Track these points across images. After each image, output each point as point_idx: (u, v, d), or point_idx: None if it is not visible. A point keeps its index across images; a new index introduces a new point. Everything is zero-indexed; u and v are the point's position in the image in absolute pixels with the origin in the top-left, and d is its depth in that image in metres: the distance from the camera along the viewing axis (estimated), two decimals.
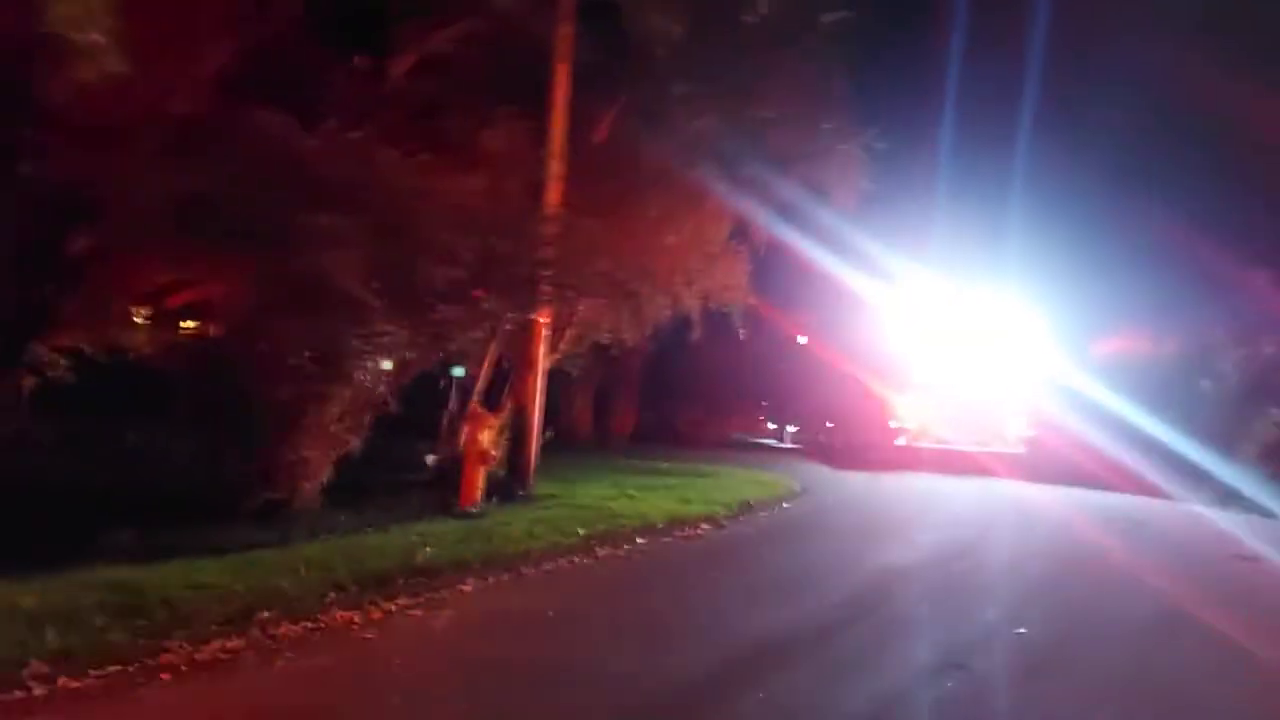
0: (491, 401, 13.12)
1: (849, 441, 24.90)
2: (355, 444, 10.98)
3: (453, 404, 13.30)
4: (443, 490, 11.93)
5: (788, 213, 14.88)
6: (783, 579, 8.68)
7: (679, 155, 13.18)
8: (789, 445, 31.92)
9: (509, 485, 12.34)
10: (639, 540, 10.00)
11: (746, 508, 12.73)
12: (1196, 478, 20.88)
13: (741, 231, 14.27)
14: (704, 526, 11.12)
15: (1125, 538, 12.58)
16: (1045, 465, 21.98)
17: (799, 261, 18.85)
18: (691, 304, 14.52)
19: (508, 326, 12.01)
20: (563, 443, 17.77)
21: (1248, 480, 20.50)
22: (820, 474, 19.15)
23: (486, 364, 13.00)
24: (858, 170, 13.58)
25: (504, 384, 13.26)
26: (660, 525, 10.71)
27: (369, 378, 10.40)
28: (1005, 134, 23.76)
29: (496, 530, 9.56)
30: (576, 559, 9.09)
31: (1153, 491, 20.09)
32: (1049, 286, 22.61)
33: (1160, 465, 21.66)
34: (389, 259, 9.75)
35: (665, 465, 16.79)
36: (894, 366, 23.09)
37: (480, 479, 11.70)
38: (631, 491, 12.75)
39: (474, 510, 11.18)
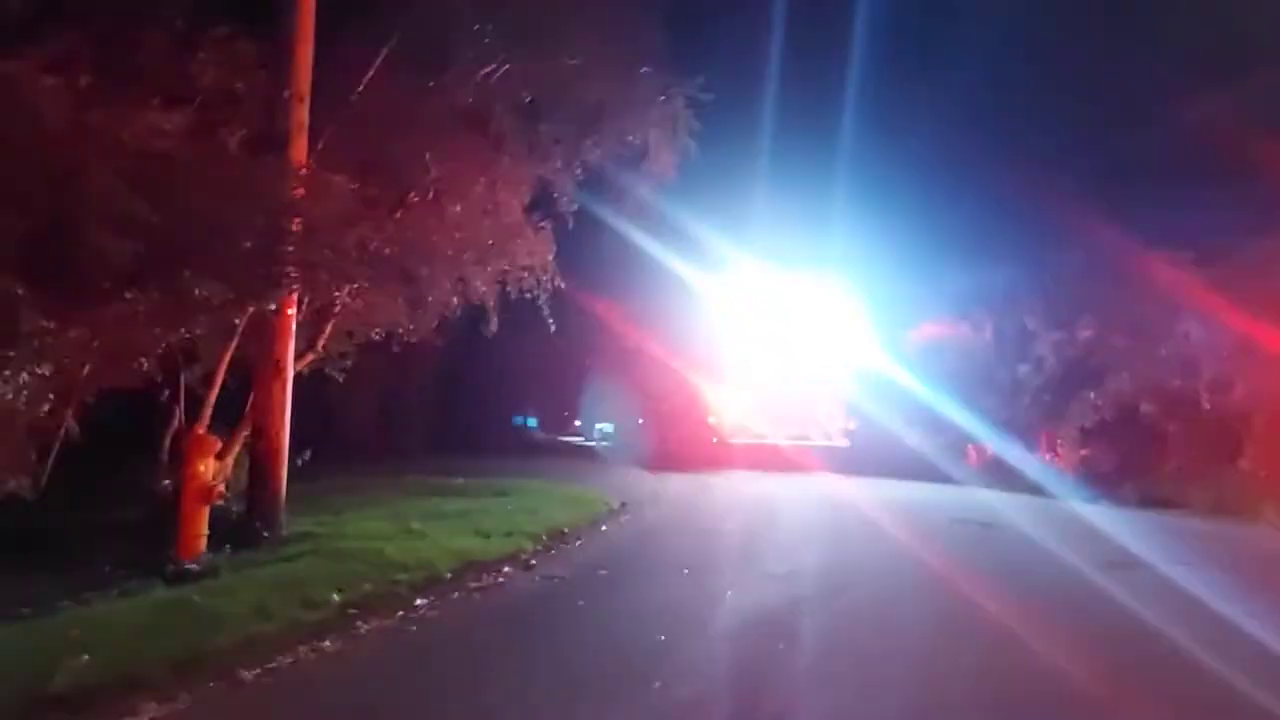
0: (231, 418, 10.20)
1: (665, 440, 23.04)
2: (18, 484, 7.89)
3: (178, 422, 10.24)
4: (157, 538, 8.97)
5: (599, 180, 12.69)
6: (616, 651, 6.38)
7: (465, 108, 10.67)
8: (599, 445, 29.90)
9: (249, 526, 9.47)
10: (419, 602, 7.43)
11: (558, 537, 10.37)
12: (1015, 468, 20.35)
13: (544, 202, 11.86)
14: (507, 570, 8.67)
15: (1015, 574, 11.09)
16: (867, 459, 20.93)
17: (611, 240, 16.77)
18: (486, 289, 12.00)
19: (237, 321, 9.12)
20: (337, 459, 14.88)
21: (1060, 469, 20.15)
22: (637, 481, 17.09)
23: (219, 369, 10.03)
24: (679, 127, 11.48)
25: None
26: (449, 575, 8.17)
27: (21, 396, 7.32)
28: (826, 118, 22.64)
29: (212, 604, 6.75)
30: (328, 643, 6.43)
31: (1007, 485, 19.25)
32: (868, 274, 21.58)
33: (986, 454, 21.08)
34: (38, 225, 6.76)
35: (461, 481, 14.23)
36: (711, 357, 21.40)
37: (203, 522, 8.81)
38: (415, 524, 10.12)
39: (194, 567, 8.30)
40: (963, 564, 9.68)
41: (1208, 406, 18.41)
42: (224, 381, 10.04)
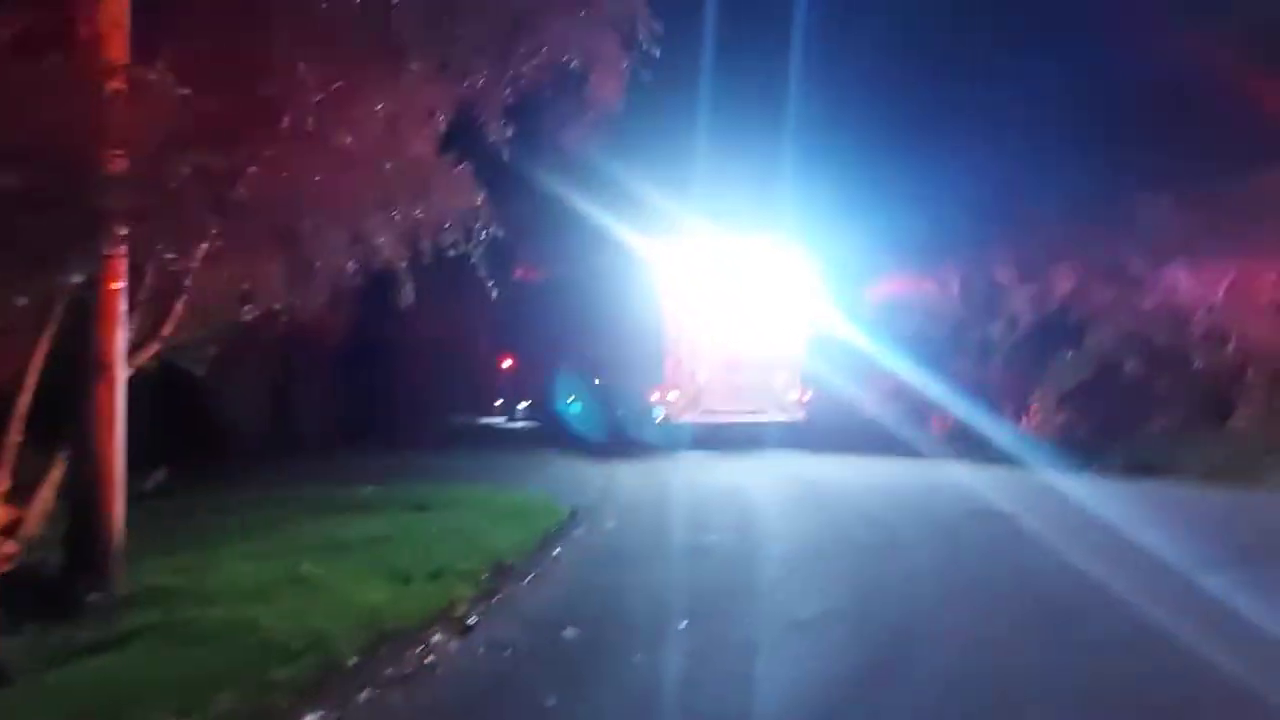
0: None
1: (606, 420, 20.67)
2: None
3: None
4: None
5: (531, 114, 10.10)
6: None
7: (355, 6, 7.96)
8: (527, 427, 27.38)
9: (68, 586, 6.78)
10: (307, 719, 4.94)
11: (502, 573, 7.87)
12: (987, 437, 18.58)
13: (465, 134, 9.20)
14: (437, 639, 6.17)
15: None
16: (827, 433, 18.94)
17: (538, 193, 14.24)
18: (394, 248, 9.33)
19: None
20: (214, 472, 12.12)
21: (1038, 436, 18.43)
22: (581, 474, 14.70)
23: (30, 370, 7.24)
24: (637, 28, 8.98)
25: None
26: (352, 660, 5.65)
27: None
28: (772, 67, 20.23)
29: None
30: None
31: (981, 457, 17.47)
32: (823, 232, 19.40)
33: (953, 423, 19.24)
34: None
35: (370, 490, 11.62)
36: (656, 327, 19.03)
37: None
38: (307, 564, 7.54)
39: None
40: (1064, 596, 7.39)
41: (1199, 363, 16.83)
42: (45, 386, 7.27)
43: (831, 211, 19.24)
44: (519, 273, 25.30)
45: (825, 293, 19.49)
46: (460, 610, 6.72)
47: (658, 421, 18.90)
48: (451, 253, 9.29)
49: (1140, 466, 16.48)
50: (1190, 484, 15.28)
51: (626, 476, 14.50)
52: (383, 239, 8.94)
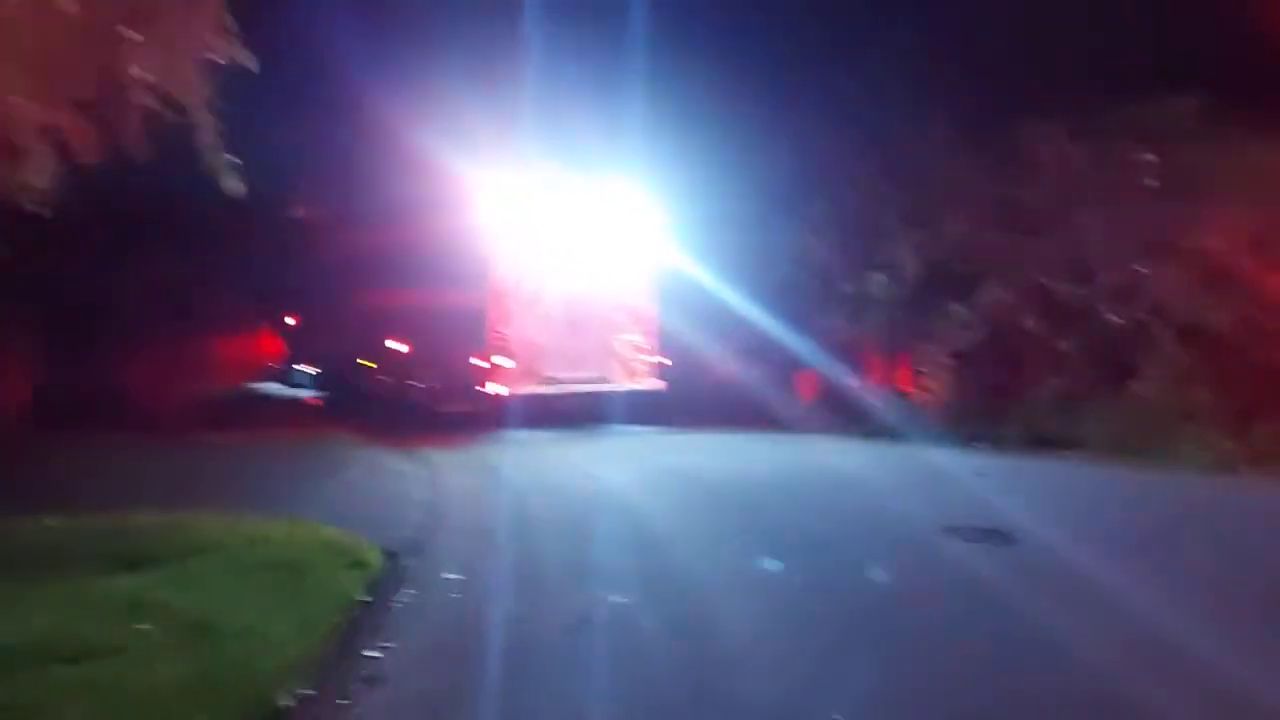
0: None
1: (417, 394, 16.70)
2: None
3: None
4: None
5: None
6: None
7: None
8: (313, 396, 22.79)
9: None
10: None
11: None
12: (867, 406, 16.14)
13: None
14: None
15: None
16: (686, 404, 15.98)
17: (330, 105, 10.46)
18: (81, 140, 5.31)
19: None
20: None
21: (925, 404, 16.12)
22: (387, 474, 10.83)
23: None
24: None
25: None
26: None
27: None
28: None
29: None
30: None
31: (861, 430, 15.09)
32: (679, 171, 16.19)
33: (830, 390, 16.61)
34: None
35: (56, 525, 7.38)
36: (482, 281, 15.24)
37: None
38: None
39: None
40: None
41: (1106, 319, 14.81)
42: None
43: (688, 150, 16.09)
44: (300, 210, 20.76)
45: (681, 243, 16.33)
46: None
47: (484, 394, 15.20)
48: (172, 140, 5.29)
49: (1039, 439, 14.49)
50: (1095, 460, 13.45)
51: (454, 477, 10.75)
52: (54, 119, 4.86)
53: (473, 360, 15.33)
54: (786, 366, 16.58)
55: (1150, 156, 14.45)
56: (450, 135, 15.50)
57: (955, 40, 15.80)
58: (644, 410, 15.65)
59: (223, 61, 5.09)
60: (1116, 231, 14.72)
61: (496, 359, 15.16)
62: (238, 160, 5.94)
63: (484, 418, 14.72)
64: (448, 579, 6.68)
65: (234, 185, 5.25)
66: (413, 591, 6.35)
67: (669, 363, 16.23)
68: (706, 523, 8.69)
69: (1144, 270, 14.52)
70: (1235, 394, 13.34)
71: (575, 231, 15.87)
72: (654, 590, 6.45)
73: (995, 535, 8.05)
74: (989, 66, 15.52)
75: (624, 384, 15.83)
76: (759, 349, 16.36)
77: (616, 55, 16.43)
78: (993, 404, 15.32)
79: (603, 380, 15.74)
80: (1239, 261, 13.85)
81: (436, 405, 16.21)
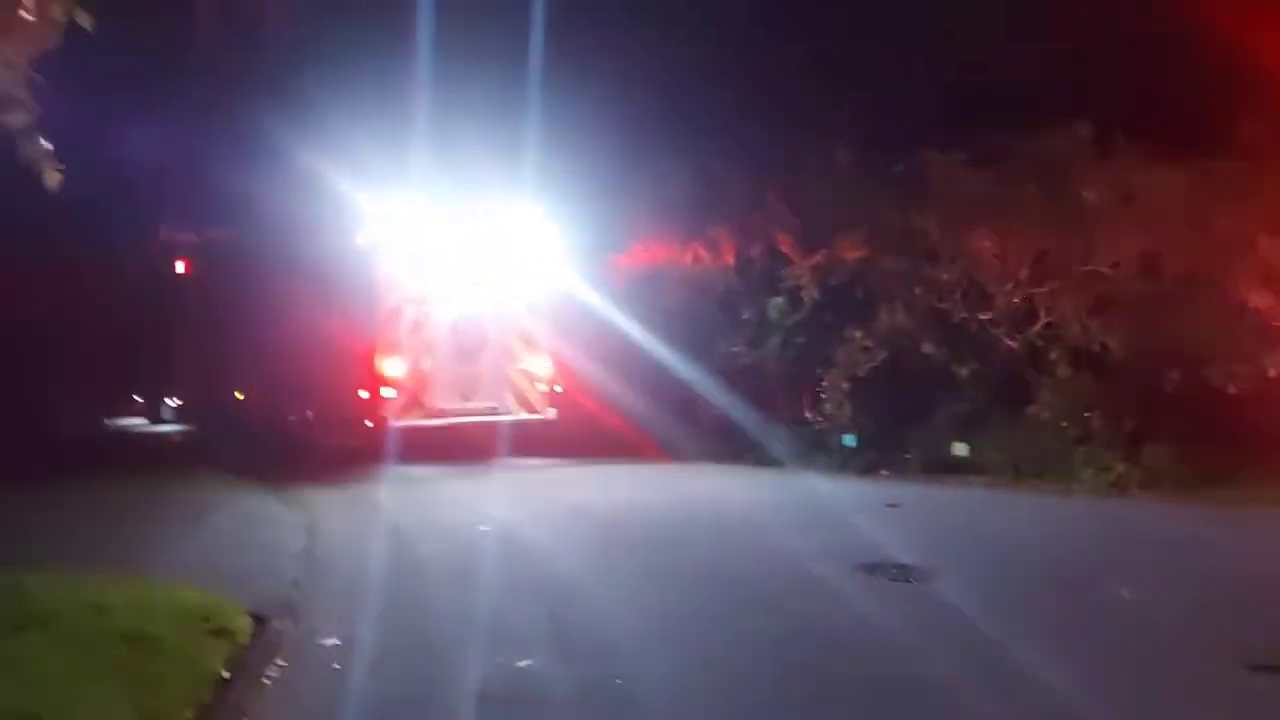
0: None
1: (292, 426, 15.57)
2: None
3: None
4: None
5: None
6: None
7: None
8: (177, 431, 21.23)
9: None
10: None
11: None
12: (765, 435, 15.84)
13: None
14: None
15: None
16: (579, 434, 15.39)
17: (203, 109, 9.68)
18: None
19: None
20: None
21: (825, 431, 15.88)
22: (263, 522, 9.81)
23: None
24: None
25: None
26: None
27: None
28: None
29: None
30: None
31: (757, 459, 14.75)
32: (574, 193, 15.66)
33: (728, 418, 16.21)
34: None
35: None
36: (365, 304, 14.32)
37: None
38: None
39: None
40: None
41: (1007, 343, 14.87)
42: None
43: (584, 174, 15.60)
44: (164, 231, 19.38)
45: (576, 266, 15.77)
46: None
47: (368, 427, 14.23)
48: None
49: (940, 465, 14.44)
50: (995, 484, 13.47)
51: (335, 521, 9.82)
52: None
53: (356, 391, 14.35)
54: (684, 394, 16.12)
55: (1044, 184, 14.61)
56: (334, 154, 14.68)
57: (855, 68, 15.78)
58: (539, 442, 14.93)
59: (53, 30, 4.14)
60: (1012, 257, 14.83)
61: (382, 389, 14.21)
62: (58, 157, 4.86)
63: (368, 453, 13.74)
64: (326, 646, 5.86)
65: (54, 178, 4.33)
66: (284, 664, 5.50)
67: (564, 392, 15.57)
68: (614, 566, 8.05)
69: (1039, 294, 14.66)
70: (1126, 417, 13.51)
71: (467, 256, 15.13)
72: (564, 649, 5.78)
73: (914, 571, 7.69)
74: (887, 95, 15.58)
75: (518, 414, 15.08)
76: (656, 377, 15.86)
77: (511, 77, 15.81)
78: (893, 430, 15.18)
79: (495, 411, 14.95)
80: (1129, 286, 14.10)
81: (316, 440, 15.12)
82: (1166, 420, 12.97)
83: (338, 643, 5.90)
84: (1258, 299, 12.59)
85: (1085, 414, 13.93)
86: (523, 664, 5.49)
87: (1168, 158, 13.18)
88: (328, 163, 14.64)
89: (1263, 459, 11.30)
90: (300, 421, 15.82)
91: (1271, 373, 12.39)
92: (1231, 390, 12.60)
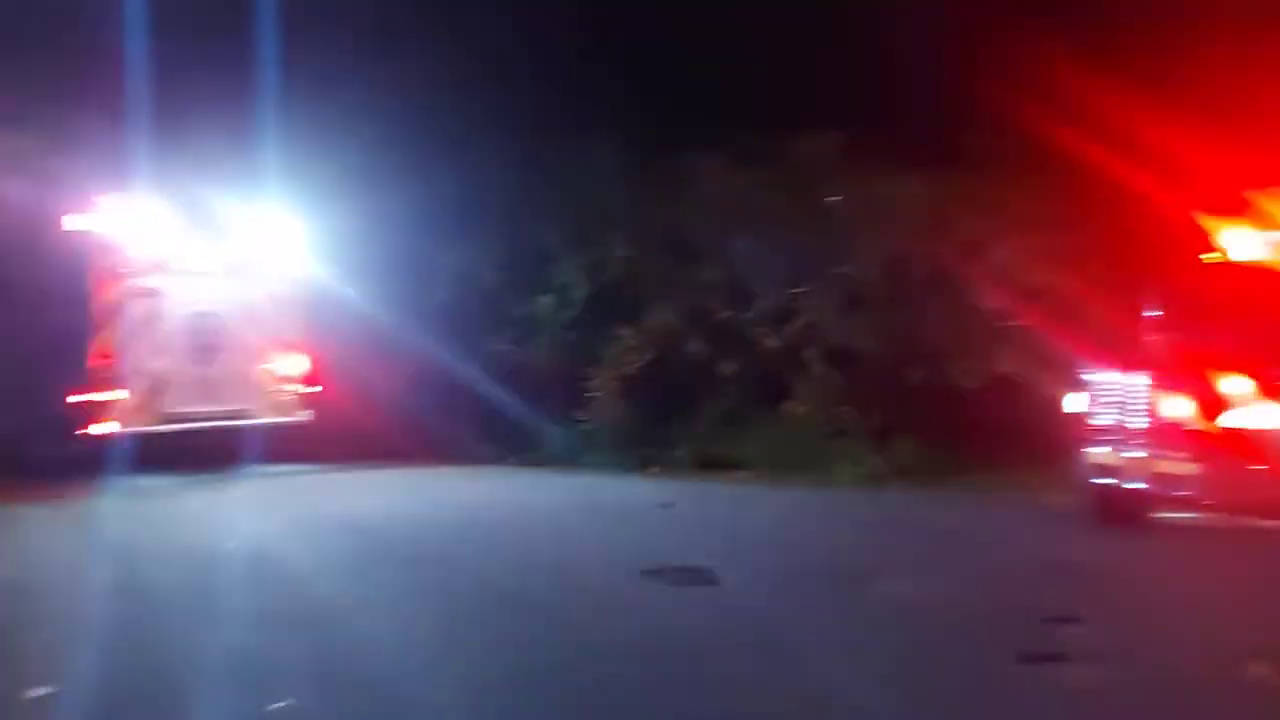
0: None
1: (10, 432, 13.53)
2: None
3: None
4: None
5: None
6: None
7: None
8: None
9: None
10: None
11: None
12: (534, 433, 15.57)
13: None
14: None
15: None
16: (336, 435, 14.47)
17: None
18: None
19: None
20: None
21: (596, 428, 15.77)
22: None
23: None
24: None
25: None
26: None
27: None
28: None
29: None
30: None
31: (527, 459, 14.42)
32: (328, 179, 14.73)
33: (497, 416, 15.72)
34: None
35: None
36: (83, 296, 12.69)
37: None
38: None
39: None
40: None
41: (767, 341, 15.29)
42: None
43: (341, 170, 14.72)
44: None
45: (334, 265, 14.82)
46: None
47: (87, 434, 12.62)
48: None
49: (706, 461, 14.72)
50: (758, 479, 13.88)
51: (47, 544, 8.50)
52: None
53: (71, 395, 12.68)
54: (452, 393, 15.49)
55: (797, 189, 15.18)
56: (52, 136, 13.01)
57: (625, 67, 15.78)
58: (294, 446, 13.84)
59: None
60: (771, 258, 15.30)
61: (104, 392, 12.65)
62: None
63: (88, 464, 12.19)
64: (36, 698, 4.93)
65: None
66: None
67: (321, 392, 14.54)
68: (381, 584, 7.42)
69: (797, 295, 15.20)
70: (879, 412, 14.26)
71: (208, 254, 13.82)
72: (325, 685, 5.16)
73: (697, 574, 7.59)
74: (655, 95, 15.66)
75: (268, 417, 13.90)
76: (421, 375, 15.16)
77: (258, 65, 14.60)
78: (661, 427, 15.28)
79: (241, 414, 13.71)
80: (877, 287, 14.90)
81: (23, 450, 13.24)
82: (913, 415, 13.78)
83: (50, 692, 4.98)
84: (990, 300, 13.60)
85: (840, 409, 14.60)
86: (278, 706, 4.82)
87: (912, 167, 13.99)
88: (43, 145, 13.01)
89: (998, 450, 12.17)
90: (4, 430, 13.84)
91: (1002, 369, 13.41)
92: (969, 386, 13.52)
